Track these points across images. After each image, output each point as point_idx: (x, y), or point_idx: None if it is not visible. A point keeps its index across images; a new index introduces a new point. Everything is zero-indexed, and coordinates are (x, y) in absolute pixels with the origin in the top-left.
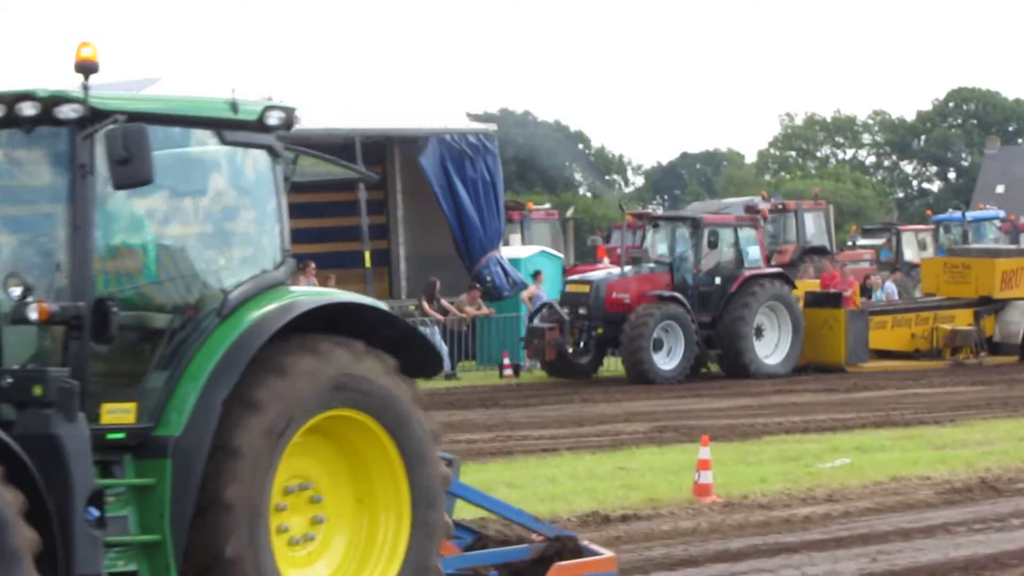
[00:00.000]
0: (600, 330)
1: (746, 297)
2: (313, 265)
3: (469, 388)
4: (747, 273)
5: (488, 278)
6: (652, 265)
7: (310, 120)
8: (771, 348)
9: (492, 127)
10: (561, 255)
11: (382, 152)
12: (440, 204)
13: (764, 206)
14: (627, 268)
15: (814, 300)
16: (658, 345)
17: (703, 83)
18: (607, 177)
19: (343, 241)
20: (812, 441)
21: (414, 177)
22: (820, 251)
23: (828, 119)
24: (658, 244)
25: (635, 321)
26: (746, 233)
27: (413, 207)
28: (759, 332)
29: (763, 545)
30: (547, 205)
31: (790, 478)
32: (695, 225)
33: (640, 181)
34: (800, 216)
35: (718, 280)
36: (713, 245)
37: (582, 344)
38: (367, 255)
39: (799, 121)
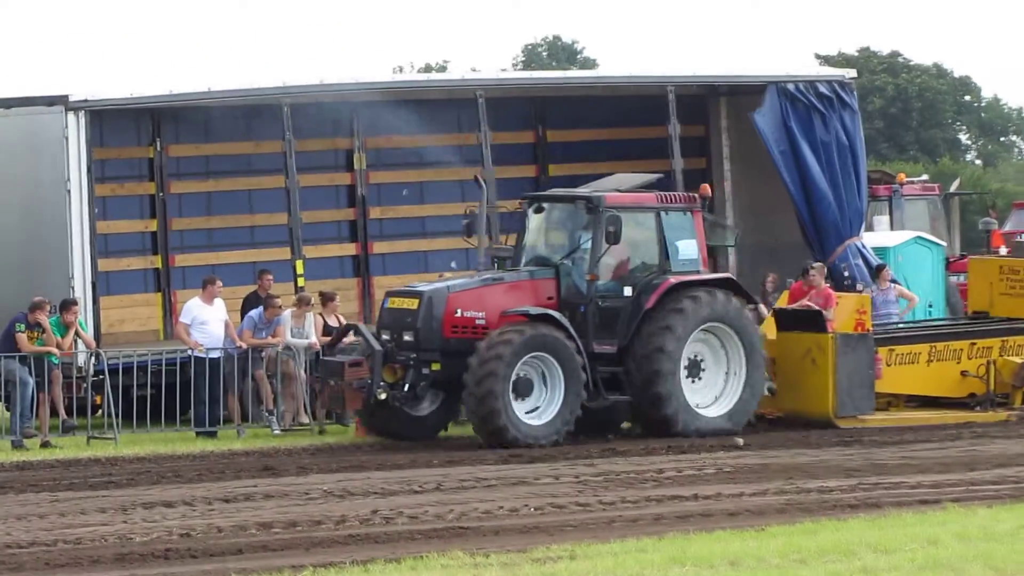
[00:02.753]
0: (436, 366)
1: (669, 316)
2: None
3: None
4: (672, 280)
5: (846, 273)
6: (531, 269)
7: (614, 68)
8: (712, 395)
9: (850, 73)
10: (943, 242)
11: (702, 108)
12: (782, 175)
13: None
14: (484, 273)
15: (788, 321)
16: (526, 389)
17: None
18: (1003, 139)
19: None
20: None
21: (745, 140)
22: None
23: None
24: (545, 236)
25: (484, 354)
26: (674, 220)
27: (745, 180)
28: (694, 369)
29: None
30: (924, 177)
31: None
32: (591, 208)
33: None
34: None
35: (628, 291)
36: (614, 238)
37: (406, 387)
38: None
39: None
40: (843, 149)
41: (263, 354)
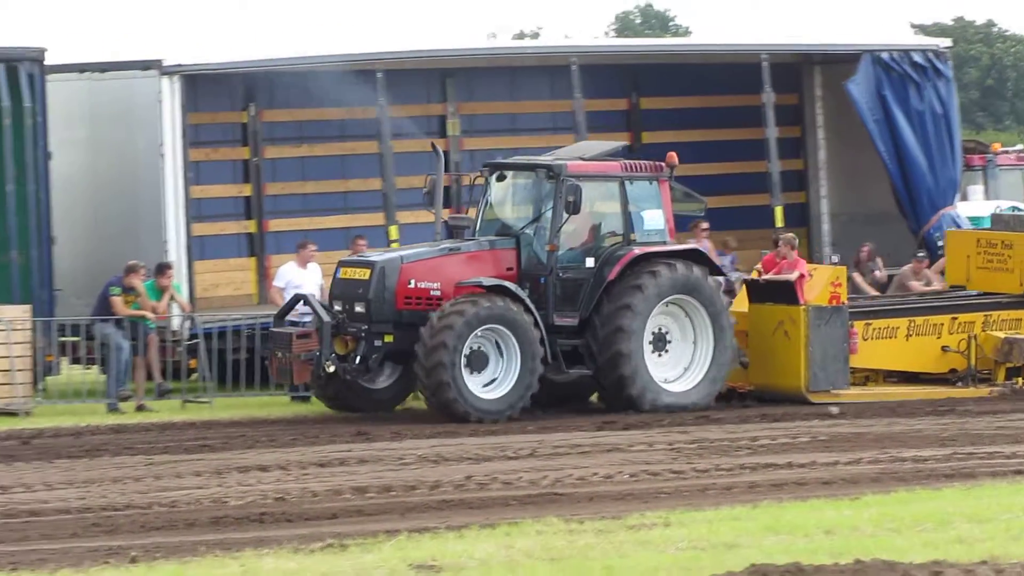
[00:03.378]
0: (388, 338)
1: (632, 288)
2: (707, 225)
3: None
4: (636, 251)
5: (940, 243)
6: (491, 239)
7: (707, 36)
8: (680, 368)
9: (945, 43)
10: None
11: (796, 77)
12: (876, 145)
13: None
14: (443, 243)
15: (760, 292)
16: (480, 363)
17: None
18: None
19: (747, 193)
20: None
21: (840, 110)
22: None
23: None
24: (507, 205)
25: (435, 325)
26: (640, 190)
27: (839, 149)
28: (660, 343)
29: None
30: (1019, 147)
31: None
32: (552, 177)
33: None
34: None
35: (590, 262)
36: (574, 208)
37: (358, 360)
38: (778, 212)
39: None
40: (937, 119)
41: None
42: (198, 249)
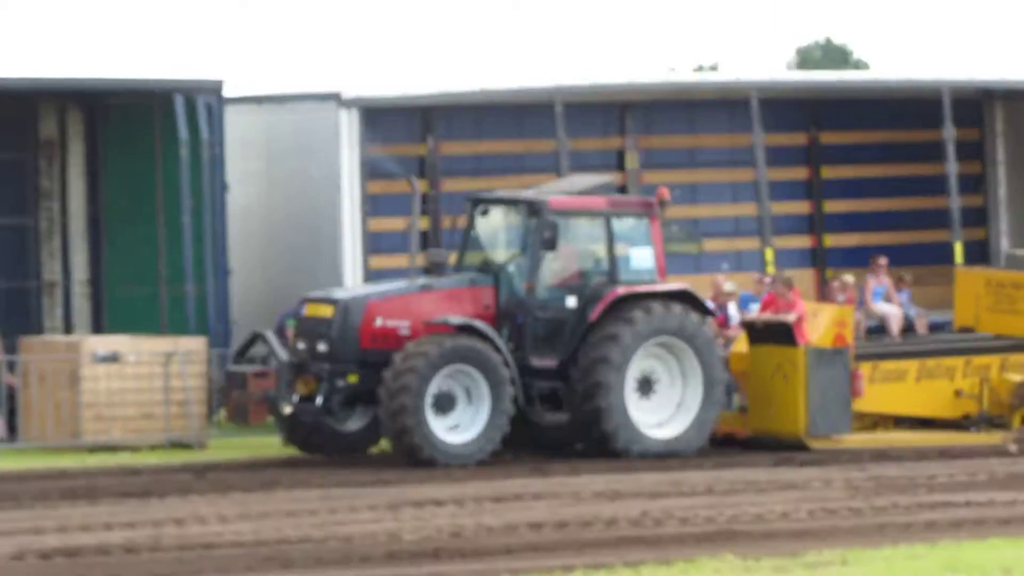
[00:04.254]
0: (352, 378)
1: (613, 331)
2: (885, 261)
3: None
4: (620, 291)
5: None
6: (471, 276)
7: (887, 70)
8: (669, 411)
9: None
10: None
11: (978, 111)
12: None
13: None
14: (418, 280)
15: (758, 334)
16: (447, 405)
17: None
18: None
19: (926, 229)
20: None
21: (1022, 145)
22: None
23: None
24: (489, 241)
25: (399, 366)
26: (627, 226)
27: (1020, 186)
28: (646, 385)
29: None
30: None
31: None
32: (533, 212)
33: None
34: None
35: (572, 301)
36: (550, 244)
37: (320, 401)
38: (958, 248)
39: None
40: None
41: None
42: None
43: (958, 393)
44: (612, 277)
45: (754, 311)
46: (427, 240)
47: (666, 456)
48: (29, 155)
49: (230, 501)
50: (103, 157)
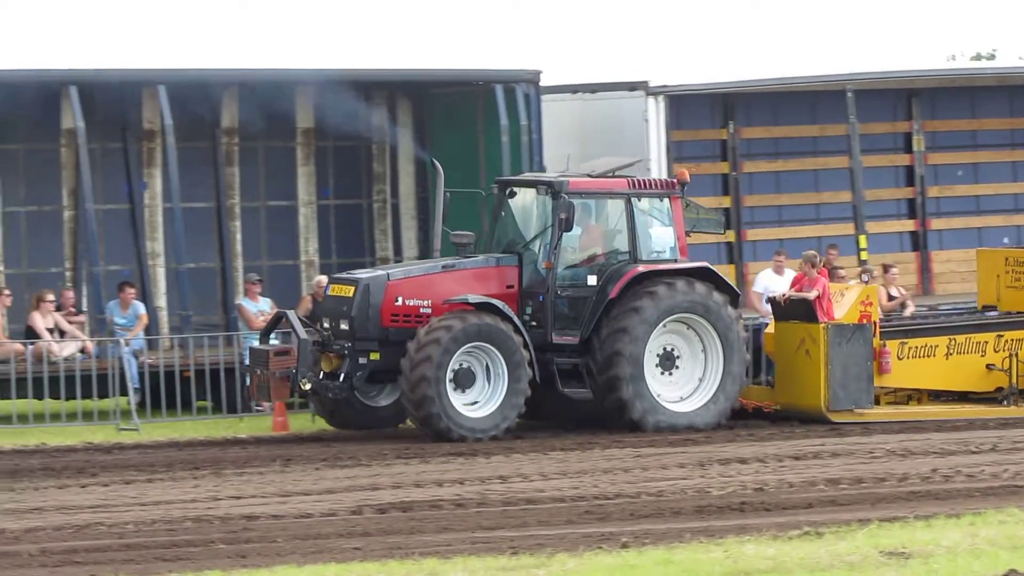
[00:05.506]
0: (375, 356)
1: (633, 307)
2: None
3: None
4: (639, 268)
5: None
6: (497, 256)
7: None
8: (691, 386)
9: None
10: None
11: None
12: None
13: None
14: (440, 260)
15: (783, 311)
16: (467, 381)
17: None
18: None
19: None
20: None
21: None
22: None
23: None
24: (514, 222)
25: (422, 339)
26: (648, 207)
27: None
28: (668, 361)
29: None
30: None
31: None
32: (553, 194)
33: None
34: None
35: (593, 280)
36: (566, 225)
37: (342, 377)
38: None
39: None
40: None
41: None
42: None
43: (989, 367)
44: (633, 256)
45: None
46: (729, 218)
47: (689, 430)
48: (362, 142)
49: (551, 460)
50: (430, 142)
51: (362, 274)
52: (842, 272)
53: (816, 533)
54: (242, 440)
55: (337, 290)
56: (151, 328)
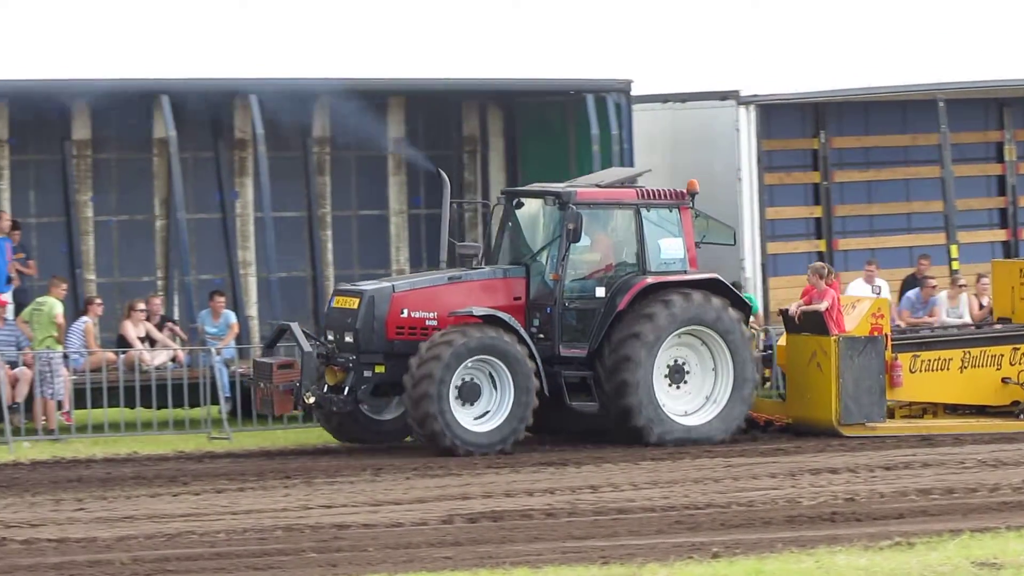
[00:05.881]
0: (379, 369)
1: (642, 318)
2: None
3: None
4: (648, 280)
5: None
6: (504, 267)
7: None
8: (700, 399)
9: None
10: None
11: None
12: None
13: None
14: (447, 272)
15: (795, 323)
16: (472, 395)
17: None
18: None
19: None
20: None
21: None
22: None
23: None
24: (522, 233)
25: (423, 355)
26: (657, 218)
27: None
28: (677, 374)
29: None
30: None
31: None
32: (562, 204)
33: None
34: None
35: (601, 291)
36: (574, 236)
37: (346, 391)
38: None
39: None
40: None
41: None
42: (772, 267)
43: (1004, 381)
44: (642, 268)
45: None
46: (819, 225)
47: (697, 443)
48: (454, 151)
49: (641, 470)
50: (520, 151)
51: (367, 286)
52: (933, 282)
53: (907, 544)
54: (333, 449)
55: (342, 302)
56: (242, 337)
